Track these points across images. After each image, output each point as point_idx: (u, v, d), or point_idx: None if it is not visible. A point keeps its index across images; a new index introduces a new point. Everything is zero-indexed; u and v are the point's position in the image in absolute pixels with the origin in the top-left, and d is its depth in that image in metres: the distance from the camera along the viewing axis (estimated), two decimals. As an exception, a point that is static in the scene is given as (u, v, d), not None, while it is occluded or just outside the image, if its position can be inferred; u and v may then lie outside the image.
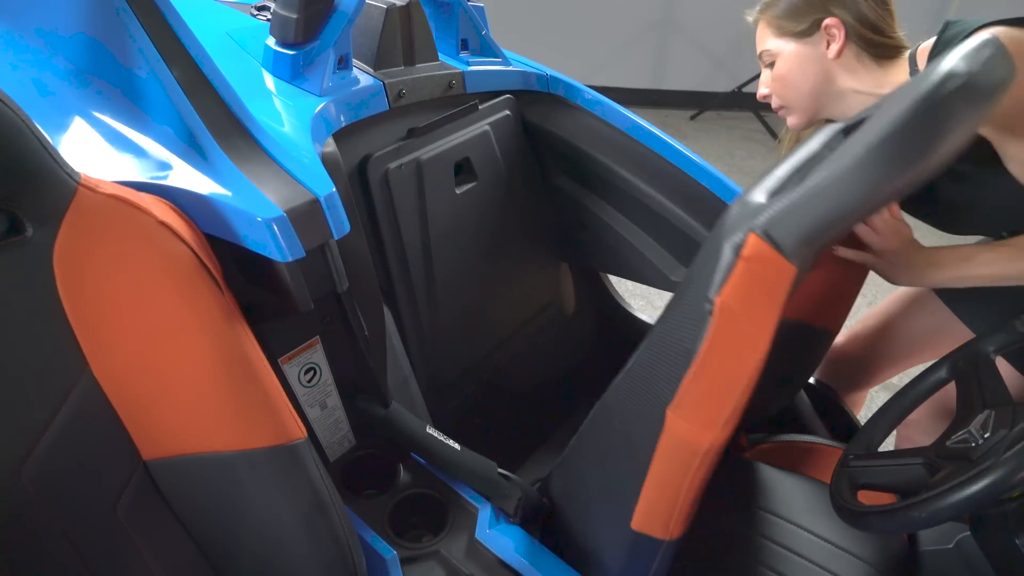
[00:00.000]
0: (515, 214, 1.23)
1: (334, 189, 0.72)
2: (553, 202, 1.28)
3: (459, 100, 1.09)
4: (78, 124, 0.73)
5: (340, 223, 0.73)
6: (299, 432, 0.72)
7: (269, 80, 0.89)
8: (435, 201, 1.05)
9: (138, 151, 0.72)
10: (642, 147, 1.16)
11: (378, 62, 0.97)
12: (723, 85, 3.29)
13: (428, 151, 1.03)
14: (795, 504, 0.93)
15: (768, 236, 0.51)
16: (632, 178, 1.16)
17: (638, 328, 1.37)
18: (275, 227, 0.67)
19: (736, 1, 3.28)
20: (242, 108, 0.75)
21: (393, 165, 0.98)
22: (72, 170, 0.60)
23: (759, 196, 0.56)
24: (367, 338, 0.89)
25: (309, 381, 0.89)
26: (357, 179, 0.96)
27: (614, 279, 1.45)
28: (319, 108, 0.84)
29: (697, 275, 0.58)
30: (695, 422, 0.57)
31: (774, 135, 3.18)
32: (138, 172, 0.70)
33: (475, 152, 1.11)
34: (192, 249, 0.65)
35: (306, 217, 0.69)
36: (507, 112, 1.17)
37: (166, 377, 0.65)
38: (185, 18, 0.72)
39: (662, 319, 0.66)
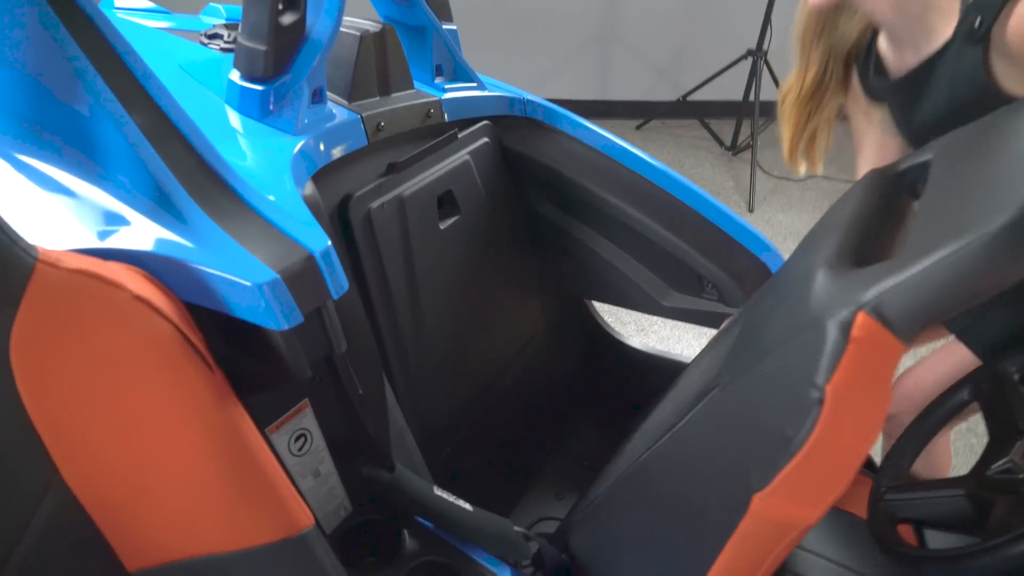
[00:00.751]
0: (499, 245, 1.17)
1: (329, 243, 0.64)
2: (536, 230, 1.23)
3: (437, 130, 1.02)
4: (23, 185, 0.63)
5: (338, 280, 0.65)
6: (307, 519, 0.64)
7: (235, 119, 0.81)
8: (420, 239, 0.98)
9: (97, 211, 0.63)
10: (626, 170, 1.12)
11: (352, 93, 0.89)
12: (667, 95, 3.31)
13: (410, 186, 0.96)
14: (823, 536, 0.90)
15: (880, 315, 0.47)
16: (617, 202, 1.12)
17: (627, 355, 1.32)
18: (269, 293, 0.59)
19: (676, 12, 3.32)
20: (215, 155, 0.66)
21: (375, 204, 0.91)
22: (27, 244, 0.51)
23: (834, 261, 0.52)
24: (362, 397, 0.81)
25: (300, 449, 0.81)
26: (338, 221, 0.88)
27: (600, 305, 1.40)
28: (297, 148, 0.76)
29: (781, 351, 0.54)
30: (796, 504, 0.53)
31: (721, 143, 3.23)
32: (101, 237, 0.60)
33: (457, 184, 1.04)
34: (175, 325, 0.56)
35: (302, 277, 0.62)
36: (486, 139, 1.11)
37: (151, 476, 0.56)
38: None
39: (730, 393, 0.62)
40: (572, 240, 1.20)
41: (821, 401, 0.49)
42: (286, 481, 0.63)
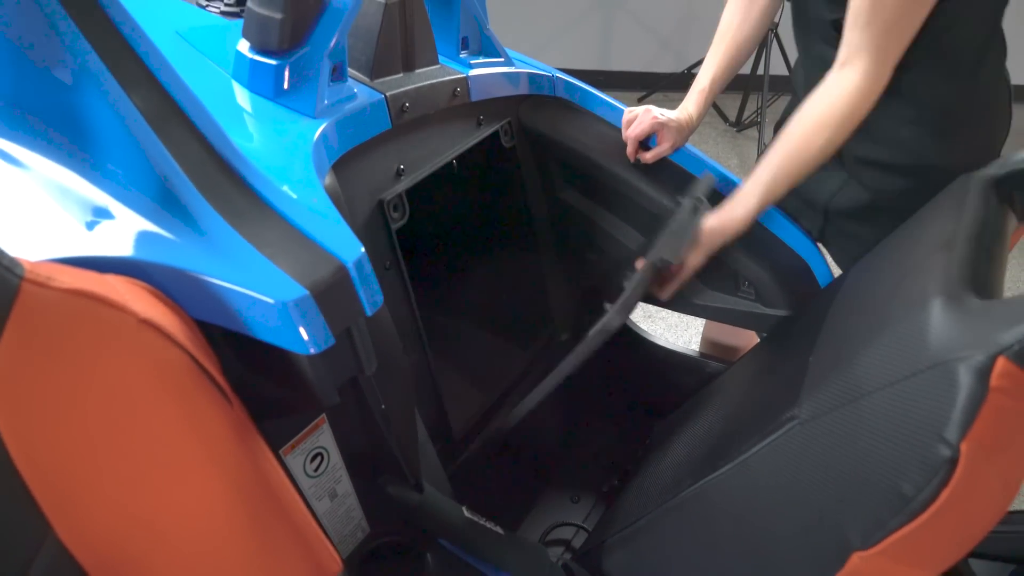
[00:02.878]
0: (519, 235, 1.08)
1: (363, 250, 0.56)
2: (559, 219, 1.14)
3: (461, 111, 0.92)
4: (1, 180, 0.53)
5: (373, 295, 0.57)
6: (335, 566, 0.56)
7: (244, 98, 0.70)
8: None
9: (89, 211, 0.53)
10: (665, 159, 1.03)
11: (375, 69, 0.79)
12: (670, 66, 3.21)
13: (425, 171, 0.87)
14: None
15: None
16: (650, 191, 1.03)
17: (646, 351, 1.25)
18: (296, 312, 0.50)
19: (683, -20, 3.17)
20: (228, 144, 0.57)
21: (389, 196, 0.81)
22: (10, 260, 0.41)
23: (954, 290, 0.45)
24: (385, 412, 0.73)
25: (316, 470, 0.73)
26: (372, 222, 0.79)
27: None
28: (318, 133, 0.67)
29: (891, 393, 0.46)
30: (907, 567, 0.46)
31: (725, 118, 3.14)
32: (97, 244, 0.51)
33: (476, 169, 0.95)
34: (188, 352, 0.47)
35: (334, 293, 0.53)
36: (509, 120, 1.01)
37: (161, 529, 0.48)
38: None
39: (815, 429, 0.55)
40: (598, 231, 1.11)
41: (953, 460, 0.42)
42: (312, 523, 0.56)
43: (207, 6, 0.85)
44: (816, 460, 0.55)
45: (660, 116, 0.99)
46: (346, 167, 0.75)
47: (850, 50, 0.76)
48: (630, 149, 1.01)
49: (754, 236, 1.01)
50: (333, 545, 0.76)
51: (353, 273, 0.55)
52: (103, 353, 0.45)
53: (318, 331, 0.52)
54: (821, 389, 0.58)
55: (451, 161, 0.91)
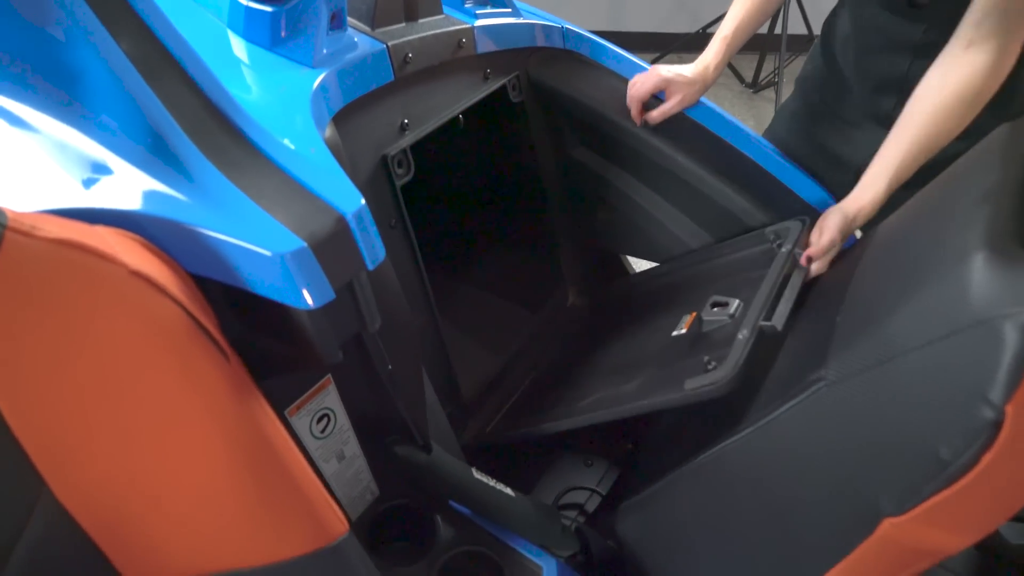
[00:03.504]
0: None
1: (363, 201, 0.53)
2: (570, 177, 1.11)
3: (467, 63, 0.89)
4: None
5: (373, 248, 0.54)
6: (340, 525, 0.55)
7: (241, 48, 0.68)
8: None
9: (79, 160, 0.51)
10: (680, 115, 1.00)
11: (376, 18, 0.76)
12: (685, 26, 3.12)
13: (429, 127, 0.84)
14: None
15: None
16: (663, 147, 1.00)
17: None
18: (294, 265, 0.48)
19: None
20: (222, 92, 0.54)
21: (393, 151, 0.79)
22: None
23: (998, 244, 0.42)
24: (392, 373, 0.72)
25: (323, 431, 0.72)
26: (376, 178, 0.77)
27: (635, 261, 1.30)
28: (317, 83, 0.64)
29: (928, 352, 0.44)
30: (943, 532, 0.44)
31: (741, 79, 3.06)
32: (87, 195, 0.49)
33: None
34: (182, 305, 0.46)
35: (333, 245, 0.51)
36: (517, 74, 0.98)
37: (160, 487, 0.47)
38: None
39: (843, 391, 0.52)
40: (611, 189, 1.08)
41: (997, 423, 0.39)
42: (316, 483, 0.54)
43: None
44: (844, 424, 0.53)
45: (666, 72, 0.95)
46: (347, 120, 0.73)
47: (979, 32, 0.75)
48: (634, 111, 0.97)
49: (772, 193, 0.98)
50: (341, 507, 0.76)
51: (353, 225, 0.52)
52: (92, 305, 0.43)
53: (317, 285, 0.50)
54: (850, 349, 0.55)
55: (457, 116, 0.88)
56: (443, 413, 0.86)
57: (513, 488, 0.81)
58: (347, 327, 0.58)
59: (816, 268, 0.83)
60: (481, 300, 1.04)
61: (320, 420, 0.71)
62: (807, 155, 1.03)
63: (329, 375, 0.71)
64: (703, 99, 1.02)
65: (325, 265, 0.50)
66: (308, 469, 0.53)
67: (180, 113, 0.51)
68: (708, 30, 2.99)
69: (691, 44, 3.04)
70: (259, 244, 0.48)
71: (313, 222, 0.51)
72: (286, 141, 0.56)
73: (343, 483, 0.75)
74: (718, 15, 2.93)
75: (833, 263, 0.85)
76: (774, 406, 0.62)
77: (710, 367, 0.72)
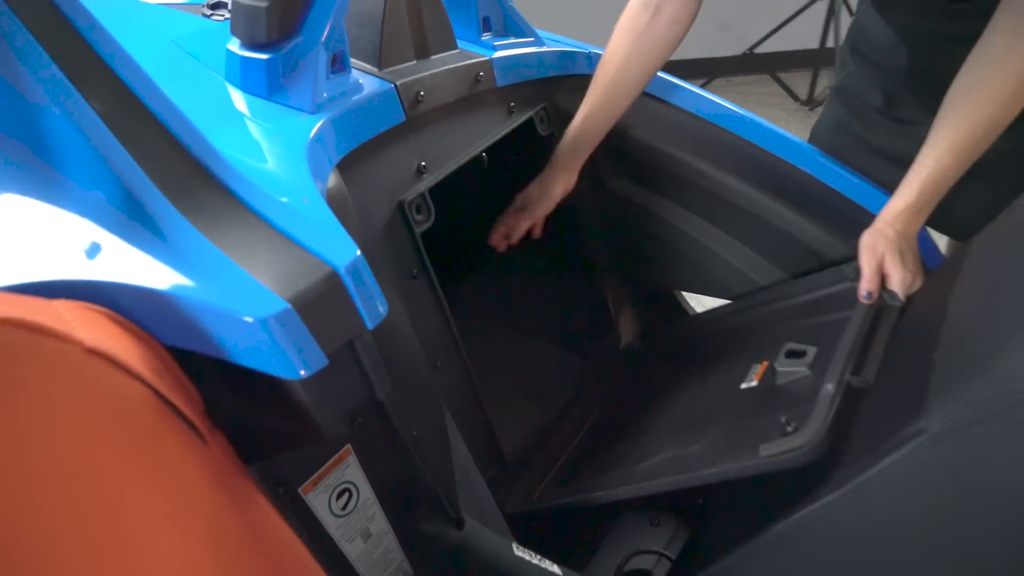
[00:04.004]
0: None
1: (358, 252, 0.47)
2: (608, 211, 1.03)
3: (487, 98, 0.83)
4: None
5: (373, 304, 0.48)
6: None
7: (238, 99, 0.64)
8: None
9: (49, 232, 0.47)
10: (724, 133, 0.91)
11: (383, 57, 0.72)
12: (731, 48, 3.03)
13: (450, 166, 0.78)
14: None
15: None
16: (715, 172, 0.91)
17: None
18: (277, 329, 0.42)
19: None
20: (206, 148, 0.50)
21: (410, 196, 0.73)
22: None
23: None
24: (417, 440, 0.64)
25: (344, 508, 0.65)
26: (393, 227, 0.72)
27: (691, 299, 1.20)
28: (315, 130, 0.59)
29: None
30: None
31: (795, 97, 2.93)
32: (52, 267, 0.45)
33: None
34: (147, 384, 0.40)
35: (323, 305, 0.45)
36: (544, 105, 0.92)
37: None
38: (107, 24, 0.47)
39: (955, 446, 0.42)
40: (657, 220, 1.00)
41: None
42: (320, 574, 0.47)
43: (211, 15, 0.80)
44: (953, 485, 0.43)
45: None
46: (356, 166, 0.68)
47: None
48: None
49: (847, 217, 0.87)
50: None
51: (347, 280, 0.46)
52: (46, 389, 0.38)
53: (307, 350, 0.44)
54: (957, 396, 0.45)
55: (480, 154, 0.82)
56: (482, 480, 0.78)
57: (571, 555, 0.72)
58: (351, 395, 0.51)
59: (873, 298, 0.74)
60: (521, 349, 0.97)
61: (340, 496, 0.64)
62: (869, 164, 0.93)
63: (348, 445, 0.64)
64: (756, 118, 0.94)
65: (314, 328, 0.44)
66: (312, 564, 0.46)
67: (157, 171, 0.47)
68: (755, 50, 2.90)
69: (738, 66, 2.95)
70: (237, 308, 0.42)
71: (300, 279, 0.45)
72: (277, 194, 0.51)
73: (370, 565, 0.68)
74: (763, 35, 2.84)
75: (920, 289, 0.74)
76: (863, 464, 0.51)
77: (789, 429, 0.62)
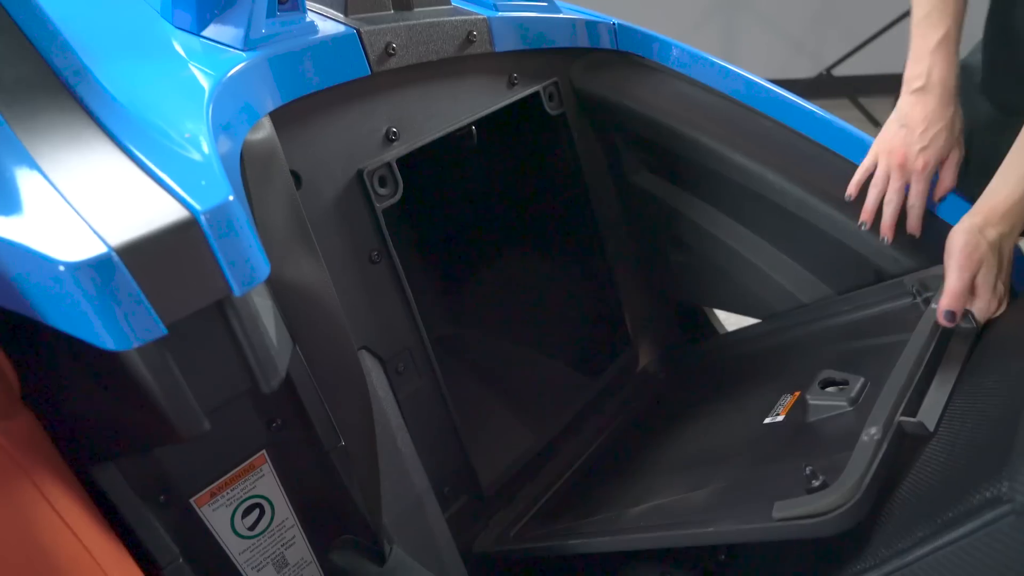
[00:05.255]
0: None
1: (230, 197, 0.36)
2: (631, 210, 0.90)
3: (482, 65, 0.72)
4: None
5: (245, 264, 0.37)
6: None
7: (166, 35, 0.55)
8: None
9: None
10: (770, 122, 0.77)
11: (350, 2, 0.62)
12: (806, 70, 2.84)
13: (427, 136, 0.67)
14: None
15: None
16: (756, 167, 0.76)
17: None
18: (91, 282, 0.32)
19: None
20: (68, 58, 0.40)
21: (372, 165, 0.62)
22: None
23: None
24: (343, 448, 0.53)
25: (252, 528, 0.53)
26: (350, 199, 0.61)
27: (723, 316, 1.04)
28: (236, 68, 0.49)
29: None
30: None
31: (876, 123, 2.71)
32: None
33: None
34: None
35: (167, 257, 0.34)
36: (555, 80, 0.80)
37: None
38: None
39: None
40: (686, 224, 0.86)
41: None
42: None
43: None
44: None
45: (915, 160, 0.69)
46: (303, 120, 0.58)
47: None
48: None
49: (926, 230, 0.71)
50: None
51: (207, 229, 0.35)
52: None
53: (136, 315, 0.33)
54: None
55: (469, 128, 0.71)
56: (438, 509, 0.65)
57: None
58: (220, 382, 0.40)
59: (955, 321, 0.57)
60: (519, 362, 0.84)
61: (249, 513, 0.53)
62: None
63: (263, 452, 0.53)
64: (812, 106, 0.79)
65: (148, 286, 0.33)
66: None
67: None
68: (833, 71, 2.70)
69: (815, 89, 2.75)
70: (45, 249, 0.32)
71: (141, 222, 0.34)
72: (154, 125, 0.41)
73: (285, 601, 0.56)
74: (842, 55, 2.64)
75: (1004, 321, 0.58)
76: (921, 537, 0.37)
77: (815, 483, 0.47)
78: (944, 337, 0.57)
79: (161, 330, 0.34)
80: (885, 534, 0.43)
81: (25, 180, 0.36)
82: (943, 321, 0.58)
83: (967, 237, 0.58)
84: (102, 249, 0.32)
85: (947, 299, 0.58)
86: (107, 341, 0.33)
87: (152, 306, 0.34)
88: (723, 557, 0.92)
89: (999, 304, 0.59)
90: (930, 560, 0.35)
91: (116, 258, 0.32)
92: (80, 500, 0.37)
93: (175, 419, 0.37)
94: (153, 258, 0.34)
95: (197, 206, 0.35)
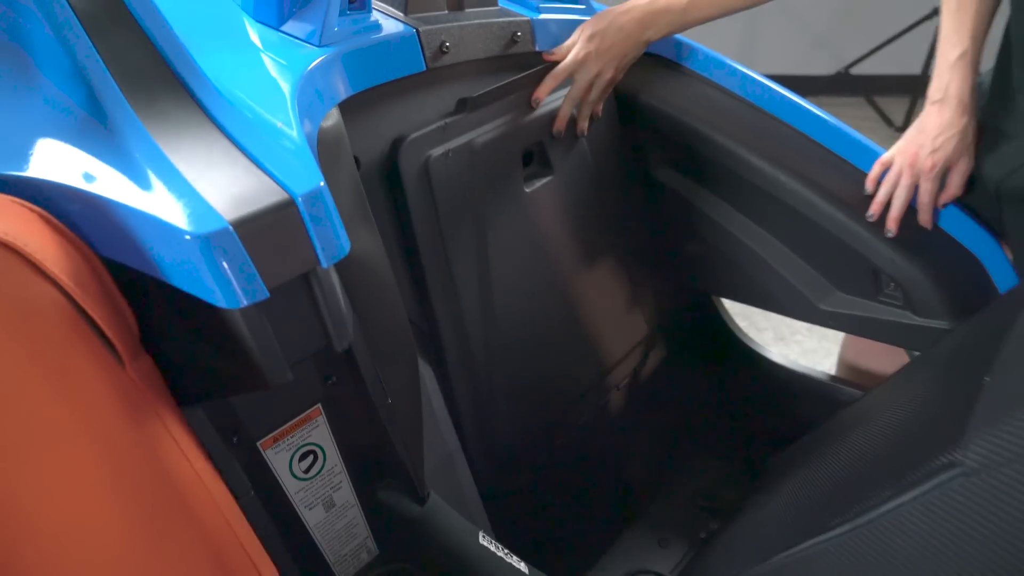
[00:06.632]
0: (603, 220, 0.92)
1: (321, 183, 0.43)
2: (654, 203, 0.96)
3: (525, 62, 0.78)
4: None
5: (332, 240, 0.43)
6: None
7: (249, 30, 0.61)
8: (496, 202, 0.75)
9: (11, 129, 0.45)
10: (786, 127, 0.83)
11: (411, 2, 0.67)
12: (825, 67, 2.87)
13: (485, 132, 0.73)
14: None
15: None
16: (770, 169, 0.82)
17: (766, 371, 1.02)
18: (212, 250, 0.38)
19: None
20: (182, 56, 0.46)
21: (437, 152, 0.68)
22: None
23: None
24: (390, 406, 0.60)
25: (306, 471, 0.60)
26: (383, 170, 0.67)
27: (731, 305, 1.11)
28: (315, 64, 0.55)
29: None
30: None
31: (890, 123, 2.75)
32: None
33: (549, 135, 0.80)
34: (62, 289, 0.36)
35: (271, 231, 0.41)
36: None
37: (26, 519, 0.37)
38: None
39: (991, 482, 0.35)
40: (703, 219, 0.92)
41: None
42: (247, 533, 0.43)
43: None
44: (989, 529, 0.34)
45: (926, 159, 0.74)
46: (364, 109, 0.63)
47: None
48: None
49: (906, 224, 0.77)
50: (328, 565, 0.64)
51: (304, 210, 0.42)
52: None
53: (246, 279, 0.40)
54: (1003, 427, 0.37)
55: (511, 117, 0.77)
56: (466, 466, 0.72)
57: (571, 562, 0.65)
58: (302, 340, 0.47)
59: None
60: (542, 333, 0.90)
61: (304, 458, 0.60)
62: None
63: (319, 405, 0.60)
64: (826, 114, 0.85)
65: (257, 255, 0.40)
66: (233, 512, 0.42)
67: (119, 67, 0.44)
68: (851, 70, 2.73)
69: (833, 86, 2.78)
70: (175, 221, 0.39)
71: (250, 201, 0.41)
72: (248, 113, 0.47)
73: (331, 537, 0.63)
74: (862, 53, 2.67)
75: (983, 315, 0.64)
76: (883, 497, 0.43)
77: None
78: None
79: (264, 293, 0.40)
80: (857, 492, 0.50)
81: (152, 162, 0.42)
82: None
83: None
84: (221, 223, 0.39)
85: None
86: (220, 300, 0.39)
87: (259, 273, 0.40)
88: (715, 527, 1.00)
89: None
90: (894, 515, 0.42)
91: (232, 231, 0.39)
92: (189, 434, 0.44)
93: (267, 369, 0.44)
94: (260, 232, 0.40)
95: (295, 189, 0.42)
